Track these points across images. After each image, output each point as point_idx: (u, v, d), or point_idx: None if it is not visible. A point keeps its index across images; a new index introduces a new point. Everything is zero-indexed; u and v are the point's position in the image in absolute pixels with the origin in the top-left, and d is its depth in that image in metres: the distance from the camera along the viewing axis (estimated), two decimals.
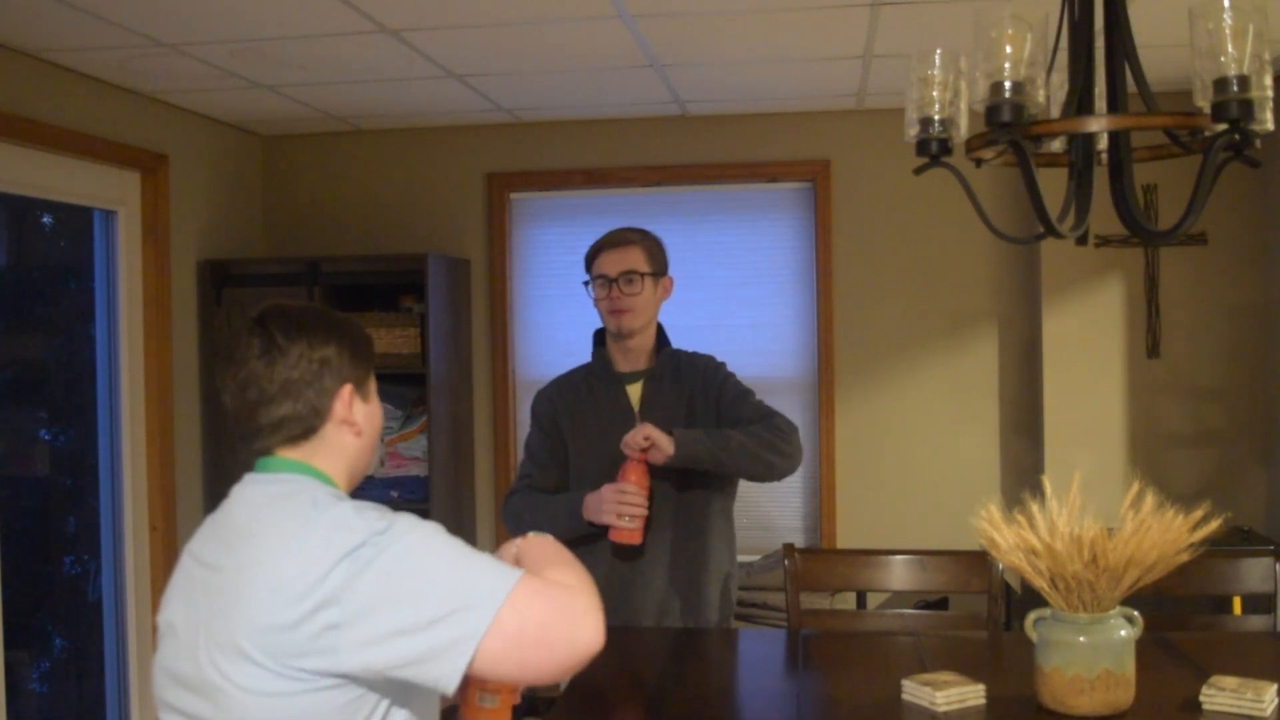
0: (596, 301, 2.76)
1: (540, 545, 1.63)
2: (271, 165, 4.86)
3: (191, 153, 4.29)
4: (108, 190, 3.87)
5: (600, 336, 2.85)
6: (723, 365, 2.85)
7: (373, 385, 1.67)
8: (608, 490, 2.58)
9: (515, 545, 1.66)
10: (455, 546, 1.44)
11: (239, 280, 4.36)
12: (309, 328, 1.57)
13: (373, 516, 1.45)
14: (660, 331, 2.83)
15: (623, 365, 2.80)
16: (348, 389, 1.59)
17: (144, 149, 3.98)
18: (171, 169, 4.11)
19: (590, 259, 2.77)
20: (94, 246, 3.95)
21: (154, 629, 4.18)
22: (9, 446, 3.85)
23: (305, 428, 1.56)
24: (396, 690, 1.46)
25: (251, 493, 1.55)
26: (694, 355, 2.85)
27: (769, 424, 2.69)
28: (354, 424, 1.60)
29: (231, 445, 4.31)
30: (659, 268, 2.76)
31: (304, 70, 3.71)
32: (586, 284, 2.77)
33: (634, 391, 2.77)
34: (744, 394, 2.78)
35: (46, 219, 4.06)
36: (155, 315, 4.01)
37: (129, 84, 3.83)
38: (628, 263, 2.71)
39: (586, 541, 2.67)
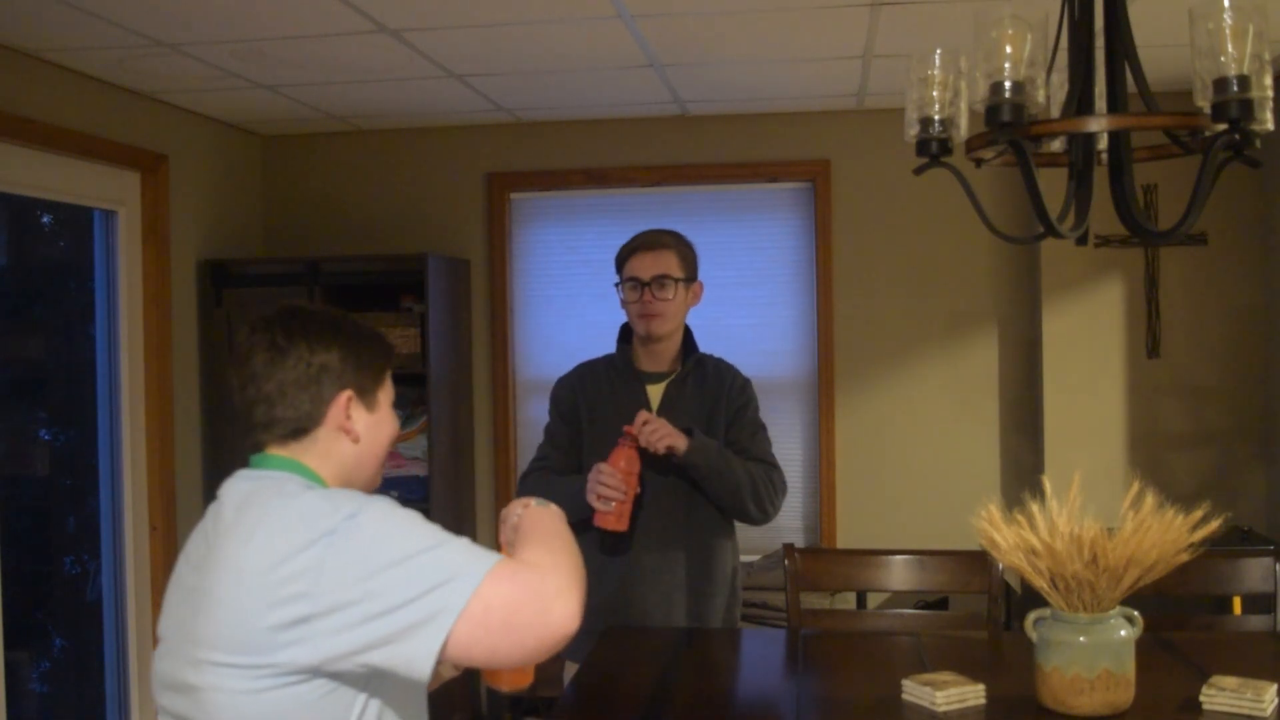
0: (627, 304, 2.73)
1: (536, 518, 1.59)
2: (271, 165, 4.86)
3: (191, 153, 4.29)
4: (108, 190, 3.87)
5: (625, 332, 2.83)
6: (749, 384, 2.83)
7: (384, 397, 1.66)
8: (592, 470, 2.56)
9: (516, 513, 1.64)
10: (429, 530, 1.42)
11: (239, 280, 4.36)
12: (313, 332, 1.58)
13: (342, 500, 1.44)
14: (688, 335, 2.81)
15: (646, 365, 2.78)
16: (345, 396, 1.58)
17: (144, 149, 3.97)
18: (171, 169, 4.11)
19: (622, 260, 2.74)
20: (94, 246, 3.95)
21: (155, 630, 4.19)
22: (9, 446, 3.85)
23: (296, 428, 1.57)
24: (373, 684, 1.44)
25: (236, 488, 1.56)
26: (721, 364, 2.83)
27: (770, 474, 2.72)
28: (351, 431, 1.60)
29: (231, 445, 4.31)
30: (691, 273, 2.75)
31: (304, 70, 3.71)
32: (617, 285, 2.75)
33: (655, 392, 2.75)
34: (755, 425, 2.79)
35: (46, 219, 4.06)
36: (155, 315, 4.01)
37: (129, 84, 3.83)
38: (661, 267, 2.69)
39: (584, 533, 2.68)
